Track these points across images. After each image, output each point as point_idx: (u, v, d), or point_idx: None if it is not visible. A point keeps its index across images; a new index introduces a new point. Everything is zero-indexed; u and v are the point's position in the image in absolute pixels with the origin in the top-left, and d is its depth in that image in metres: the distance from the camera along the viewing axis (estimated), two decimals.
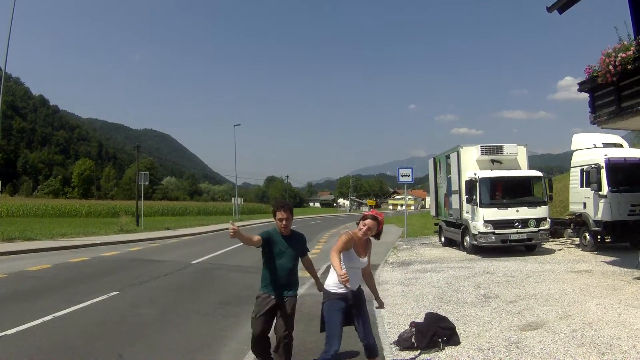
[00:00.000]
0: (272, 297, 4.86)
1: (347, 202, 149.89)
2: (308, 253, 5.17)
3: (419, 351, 5.65)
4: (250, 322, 5.00)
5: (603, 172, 14.35)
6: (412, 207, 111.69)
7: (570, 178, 16.83)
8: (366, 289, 4.84)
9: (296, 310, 4.98)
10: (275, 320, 4.96)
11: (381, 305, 5.11)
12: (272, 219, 5.03)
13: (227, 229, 4.93)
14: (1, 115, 24.33)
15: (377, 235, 4.66)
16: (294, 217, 5.06)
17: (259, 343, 5.03)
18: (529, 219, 14.73)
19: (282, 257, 4.83)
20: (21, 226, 28.57)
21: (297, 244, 5.00)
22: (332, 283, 4.53)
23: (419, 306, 8.22)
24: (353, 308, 4.56)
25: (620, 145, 16.26)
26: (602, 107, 11.14)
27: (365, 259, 4.65)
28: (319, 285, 5.08)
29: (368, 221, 4.53)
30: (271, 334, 5.01)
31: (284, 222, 4.81)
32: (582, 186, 15.59)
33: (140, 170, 37.97)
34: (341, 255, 4.43)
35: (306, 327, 6.74)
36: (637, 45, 9.49)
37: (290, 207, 4.91)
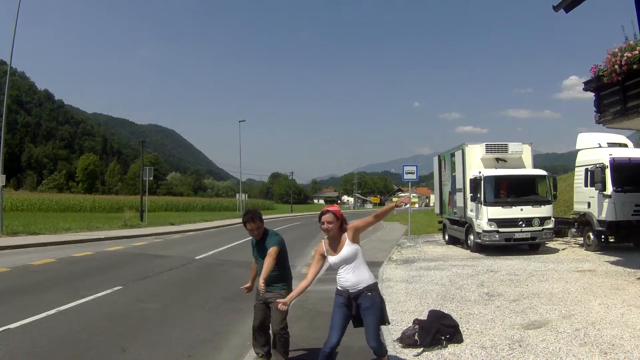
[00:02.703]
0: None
1: (351, 199, 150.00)
2: (272, 248, 5.11)
3: (421, 348, 5.65)
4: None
5: (607, 171, 14.31)
6: (417, 205, 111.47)
7: (575, 177, 16.79)
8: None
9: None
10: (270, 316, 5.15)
11: None
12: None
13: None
14: (6, 110, 24.43)
15: (342, 226, 4.52)
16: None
17: (259, 333, 5.23)
18: (533, 218, 14.69)
19: (264, 256, 5.07)
20: (25, 220, 28.67)
21: (270, 242, 5.18)
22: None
23: (422, 304, 8.22)
24: (352, 310, 4.50)
25: (625, 145, 16.20)
26: (608, 107, 11.08)
27: (335, 257, 4.50)
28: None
29: (325, 217, 4.49)
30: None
31: (255, 232, 5.16)
32: (586, 185, 15.55)
33: (145, 166, 38.03)
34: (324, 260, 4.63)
35: (310, 323, 6.76)
36: None
37: (256, 216, 5.20)
